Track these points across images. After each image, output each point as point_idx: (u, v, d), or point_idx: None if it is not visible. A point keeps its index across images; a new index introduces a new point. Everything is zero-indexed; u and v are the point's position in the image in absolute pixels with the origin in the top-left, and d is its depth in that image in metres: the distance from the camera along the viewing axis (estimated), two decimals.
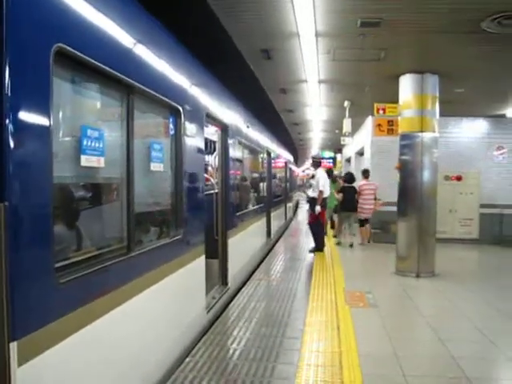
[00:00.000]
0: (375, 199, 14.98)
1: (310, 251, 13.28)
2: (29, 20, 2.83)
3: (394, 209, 11.08)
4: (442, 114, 10.86)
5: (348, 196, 14.72)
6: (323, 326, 6.65)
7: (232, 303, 7.81)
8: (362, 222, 15.23)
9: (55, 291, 3.02)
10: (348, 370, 5.16)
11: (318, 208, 12.76)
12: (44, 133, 2.93)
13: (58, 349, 3.01)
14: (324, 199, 12.97)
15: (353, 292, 8.64)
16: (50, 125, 2.95)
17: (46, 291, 2.95)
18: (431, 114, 10.39)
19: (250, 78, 12.14)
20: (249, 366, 5.22)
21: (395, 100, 11.21)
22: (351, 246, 14.65)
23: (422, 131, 10.31)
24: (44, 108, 2.93)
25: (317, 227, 13.31)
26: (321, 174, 13.31)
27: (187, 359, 5.38)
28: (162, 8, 6.11)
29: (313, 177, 14.26)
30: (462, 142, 16.02)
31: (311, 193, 13.46)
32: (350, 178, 15.60)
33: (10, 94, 2.60)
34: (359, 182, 15.46)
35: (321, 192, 12.76)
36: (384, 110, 12.85)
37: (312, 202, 13.27)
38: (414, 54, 9.32)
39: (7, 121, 2.59)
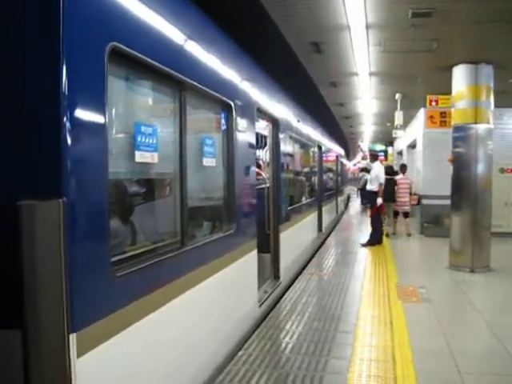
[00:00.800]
0: (410, 194, 15.51)
1: (364, 245, 13.17)
2: (85, 19, 2.89)
3: (448, 202, 10.88)
4: (496, 105, 10.58)
5: (388, 188, 14.67)
6: (376, 321, 6.60)
7: (284, 297, 7.83)
8: (396, 214, 15.85)
9: (112, 284, 3.09)
10: (401, 365, 5.11)
11: (379, 200, 12.84)
12: (99, 130, 2.99)
13: (116, 340, 3.08)
14: (374, 192, 12.99)
15: (406, 287, 8.53)
16: (105, 122, 3.01)
17: (103, 284, 3.02)
18: (486, 105, 10.14)
19: (301, 71, 12.11)
20: (301, 360, 5.23)
21: (448, 91, 10.99)
22: (387, 235, 14.91)
23: (476, 123, 10.07)
24: (99, 105, 2.99)
25: (377, 220, 13.26)
26: (379, 167, 13.31)
27: (240, 352, 5.42)
28: (210, 2, 6.13)
29: (364, 169, 14.31)
30: None
31: (369, 186, 13.43)
32: (390, 170, 15.93)
33: (66, 93, 2.66)
34: (396, 177, 15.69)
35: (381, 185, 12.87)
36: (437, 101, 12.65)
37: (370, 195, 13.27)
38: (468, 44, 9.13)
39: (64, 118, 2.65)
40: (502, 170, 15.16)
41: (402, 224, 15.90)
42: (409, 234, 15.54)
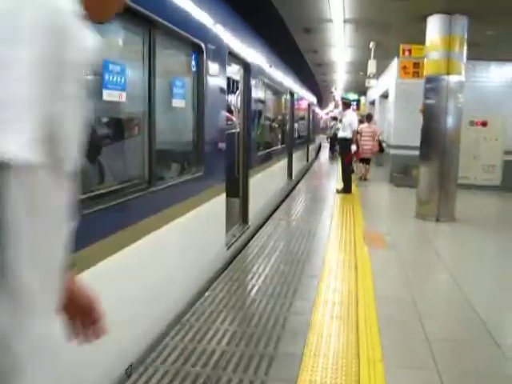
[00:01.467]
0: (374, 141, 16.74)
1: (339, 192, 13.25)
2: None
3: (416, 153, 11.00)
4: (469, 58, 10.59)
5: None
6: (341, 265, 6.74)
7: (252, 241, 7.92)
8: (362, 161, 16.58)
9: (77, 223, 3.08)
10: (363, 308, 5.25)
11: (354, 147, 12.96)
12: None
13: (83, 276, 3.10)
14: (348, 139, 13.06)
15: (372, 233, 8.69)
16: None
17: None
18: (458, 56, 10.14)
19: (274, 16, 11.95)
20: (266, 302, 5.33)
21: (422, 42, 10.97)
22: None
23: (448, 74, 10.08)
24: None
25: (349, 168, 13.37)
26: (352, 115, 13.38)
27: (207, 293, 5.51)
28: None
29: (335, 118, 14.39)
30: (490, 87, 15.65)
31: (341, 133, 13.39)
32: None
33: None
34: (361, 125, 16.16)
35: (355, 132, 12.97)
36: (410, 51, 12.63)
37: (343, 142, 13.32)
38: None
39: None
40: (472, 123, 15.31)
41: (362, 169, 16.78)
42: (365, 179, 16.50)
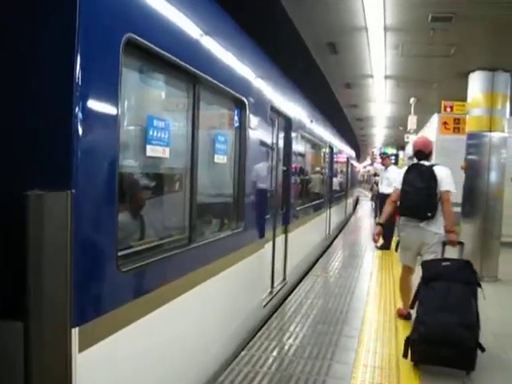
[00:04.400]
0: None
1: (378, 248, 13.06)
2: (101, 9, 2.84)
3: (458, 209, 10.77)
4: (511, 113, 10.46)
5: None
6: (381, 327, 6.53)
7: (289, 298, 7.77)
8: None
9: (117, 279, 3.04)
10: (405, 374, 5.04)
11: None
12: (111, 122, 2.94)
13: (118, 336, 3.04)
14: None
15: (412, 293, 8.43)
16: (117, 114, 2.96)
17: (108, 279, 2.97)
18: (501, 113, 10.01)
19: (316, 71, 12.05)
20: (304, 363, 5.17)
21: (463, 98, 10.90)
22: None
23: (490, 131, 9.96)
24: (112, 97, 2.93)
25: (390, 224, 13.12)
26: (397, 170, 13.21)
27: (243, 352, 5.37)
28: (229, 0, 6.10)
29: (375, 175, 14.15)
30: None
31: (385, 188, 13.11)
32: None
33: (80, 83, 2.61)
34: None
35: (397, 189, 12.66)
36: (451, 107, 12.56)
37: (385, 198, 13.06)
38: (486, 50, 9.03)
39: (76, 109, 2.60)
40: None
41: None
42: None
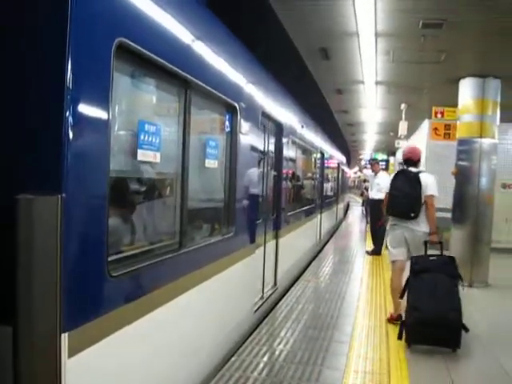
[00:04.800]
0: None
1: (369, 253, 13.14)
2: (92, 14, 2.84)
3: (446, 215, 10.81)
4: (502, 120, 10.52)
5: None
6: (371, 332, 6.53)
7: (280, 303, 7.76)
8: None
9: (107, 284, 3.03)
10: (396, 379, 5.04)
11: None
12: (102, 126, 2.93)
13: (109, 341, 3.02)
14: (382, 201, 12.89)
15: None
16: (108, 118, 2.95)
17: (98, 284, 2.96)
18: (491, 119, 10.07)
19: (307, 77, 12.07)
20: (295, 369, 5.16)
21: (454, 104, 10.94)
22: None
23: (481, 137, 10.00)
24: (103, 102, 2.93)
25: (381, 230, 13.18)
26: (385, 175, 13.31)
27: (233, 358, 5.36)
28: (219, 3, 6.09)
29: (365, 181, 14.24)
30: None
31: (375, 194, 13.19)
32: None
33: (70, 87, 2.61)
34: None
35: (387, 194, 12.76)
36: (442, 113, 12.60)
37: (376, 203, 13.18)
38: (476, 57, 9.08)
39: (67, 113, 2.59)
40: (504, 186, 15.06)
41: None
42: None
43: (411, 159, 7.17)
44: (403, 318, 6.17)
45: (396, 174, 7.36)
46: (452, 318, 5.80)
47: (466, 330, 5.86)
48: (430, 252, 6.57)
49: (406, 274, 6.47)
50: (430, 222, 6.79)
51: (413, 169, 7.07)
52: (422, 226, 6.79)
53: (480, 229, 10.06)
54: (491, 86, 10.02)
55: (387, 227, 7.41)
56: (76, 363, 2.69)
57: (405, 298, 6.28)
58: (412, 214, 6.73)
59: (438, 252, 6.52)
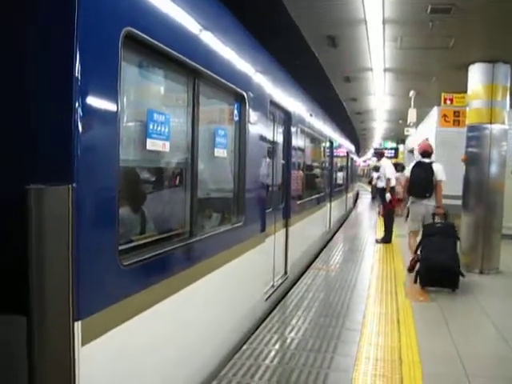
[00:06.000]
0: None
1: (379, 242, 13.16)
2: (99, 3, 2.84)
3: (456, 202, 10.77)
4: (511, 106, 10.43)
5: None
6: (383, 319, 6.54)
7: (291, 292, 7.78)
8: None
9: (119, 273, 3.04)
10: (408, 366, 5.05)
11: (388, 195, 12.99)
12: (112, 116, 2.94)
13: (122, 330, 3.04)
14: (392, 188, 12.96)
15: (413, 285, 8.43)
16: (117, 109, 2.95)
17: (110, 273, 2.97)
18: (501, 105, 9.98)
19: (315, 65, 12.01)
20: (306, 356, 5.18)
21: (463, 90, 10.86)
22: None
23: (490, 123, 9.92)
24: (112, 92, 2.93)
25: (389, 218, 13.21)
26: (386, 163, 13.39)
27: (244, 346, 5.38)
28: None
29: (376, 168, 14.46)
30: None
31: (380, 183, 13.45)
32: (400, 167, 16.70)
33: (79, 78, 2.61)
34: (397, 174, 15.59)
35: (388, 180, 12.88)
36: (451, 100, 12.53)
37: (382, 192, 13.34)
38: (485, 42, 8.98)
39: (76, 104, 2.60)
40: None
41: None
42: None
43: (427, 151, 9.72)
44: (417, 268, 8.44)
45: (415, 165, 9.73)
46: (452, 265, 8.03)
47: (463, 275, 8.12)
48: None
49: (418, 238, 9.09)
50: (437, 199, 9.27)
51: (426, 160, 9.51)
52: (432, 202, 9.30)
53: (490, 215, 10.01)
54: (501, 71, 9.92)
55: (408, 204, 9.90)
56: (89, 351, 2.72)
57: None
58: (427, 194, 9.28)
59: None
